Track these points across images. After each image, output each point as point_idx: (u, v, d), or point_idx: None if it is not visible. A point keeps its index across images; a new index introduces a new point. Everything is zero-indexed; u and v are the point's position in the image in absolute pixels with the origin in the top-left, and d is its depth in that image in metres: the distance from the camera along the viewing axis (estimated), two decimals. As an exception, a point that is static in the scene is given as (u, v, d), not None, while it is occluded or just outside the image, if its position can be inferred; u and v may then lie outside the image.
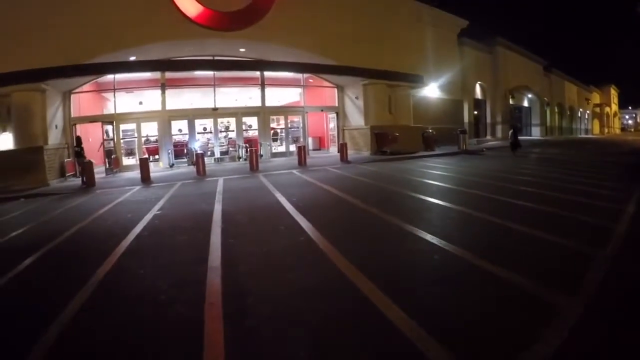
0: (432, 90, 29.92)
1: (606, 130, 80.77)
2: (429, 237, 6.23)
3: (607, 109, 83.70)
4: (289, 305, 4.16)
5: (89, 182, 15.61)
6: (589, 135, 65.10)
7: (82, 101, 21.68)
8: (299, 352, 3.26)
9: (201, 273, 5.13)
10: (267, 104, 24.38)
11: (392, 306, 3.90)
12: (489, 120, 39.40)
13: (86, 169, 16.01)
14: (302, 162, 19.15)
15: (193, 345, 3.41)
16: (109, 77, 21.30)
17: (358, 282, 4.56)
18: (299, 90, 26.47)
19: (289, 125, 25.73)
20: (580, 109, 68.61)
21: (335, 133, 26.74)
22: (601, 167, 15.57)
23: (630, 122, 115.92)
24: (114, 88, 21.90)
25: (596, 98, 78.60)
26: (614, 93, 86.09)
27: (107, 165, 20.06)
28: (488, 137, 38.16)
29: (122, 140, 22.16)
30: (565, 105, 59.35)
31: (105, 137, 21.44)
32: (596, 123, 78.36)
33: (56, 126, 19.32)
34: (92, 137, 21.52)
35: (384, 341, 3.35)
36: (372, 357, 3.15)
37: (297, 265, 5.39)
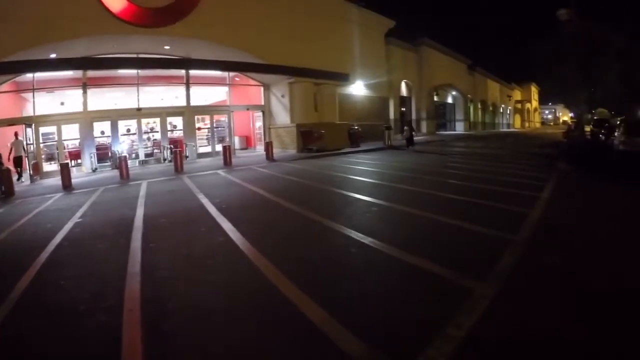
0: (358, 88, 30.74)
1: (527, 124, 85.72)
2: (347, 232, 6.58)
3: (528, 104, 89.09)
4: (207, 307, 4.31)
5: (7, 192, 14.87)
6: (511, 129, 68.70)
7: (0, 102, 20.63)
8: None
9: (120, 280, 5.17)
10: (193, 103, 24.13)
11: (308, 302, 4.14)
12: (414, 116, 40.84)
13: (4, 177, 15.17)
14: (227, 162, 19.23)
15: (112, 351, 3.51)
16: (29, 76, 20.31)
17: (277, 281, 4.74)
18: (225, 89, 26.32)
19: (215, 125, 25.60)
20: (503, 105, 72.47)
21: (262, 132, 26.94)
22: (519, 159, 16.70)
23: (550, 116, 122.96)
24: (33, 88, 20.94)
25: (517, 95, 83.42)
26: (534, 90, 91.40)
27: (30, 171, 19.26)
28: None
29: (42, 144, 21.29)
30: (488, 101, 62.48)
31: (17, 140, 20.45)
32: (517, 118, 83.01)
33: (-30, 131, 18.37)
34: (10, 141, 20.51)
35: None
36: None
37: (216, 266, 5.54)
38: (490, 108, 64.28)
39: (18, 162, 18.16)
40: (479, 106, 58.58)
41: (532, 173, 12.34)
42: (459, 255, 5.30)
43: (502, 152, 21.09)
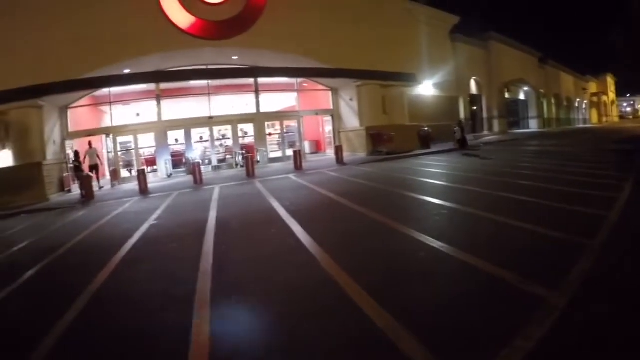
0: (426, 88, 30.03)
1: (604, 119, 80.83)
2: (415, 235, 6.31)
3: (605, 97, 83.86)
4: (275, 306, 4.33)
5: (88, 196, 15.72)
6: (587, 125, 65.10)
7: (79, 115, 21.81)
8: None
9: (192, 279, 5.26)
10: (262, 110, 24.48)
11: (375, 306, 3.98)
12: (485, 115, 39.44)
13: (85, 182, 16.13)
14: (298, 166, 19.25)
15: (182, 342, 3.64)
16: (105, 90, 21.46)
17: (343, 282, 4.65)
18: (293, 94, 26.52)
19: (285, 130, 25.82)
20: (578, 99, 68.66)
21: (332, 136, 26.88)
22: (598, 157, 15.59)
23: (628, 109, 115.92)
24: (110, 101, 22.11)
25: (593, 87, 78.69)
26: (610, 81, 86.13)
27: (111, 178, 20.30)
28: (485, 132, 38.19)
29: (120, 153, 22.29)
30: (562, 96, 59.35)
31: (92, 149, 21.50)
32: (594, 112, 78.40)
33: (54, 141, 19.53)
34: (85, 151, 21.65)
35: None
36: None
37: (285, 268, 5.51)
38: (565, 103, 61.03)
39: (93, 169, 18.84)
40: (553, 101, 55.71)
41: (610, 172, 11.35)
42: (530, 262, 4.92)
43: (578, 150, 19.77)
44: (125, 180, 21.18)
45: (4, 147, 18.13)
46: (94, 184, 17.47)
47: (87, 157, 18.93)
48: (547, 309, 3.59)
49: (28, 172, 16.34)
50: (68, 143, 20.72)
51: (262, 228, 8.11)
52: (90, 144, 19.45)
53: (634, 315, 3.48)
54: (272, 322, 3.98)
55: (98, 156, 19.56)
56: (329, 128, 27.34)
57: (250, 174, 18.13)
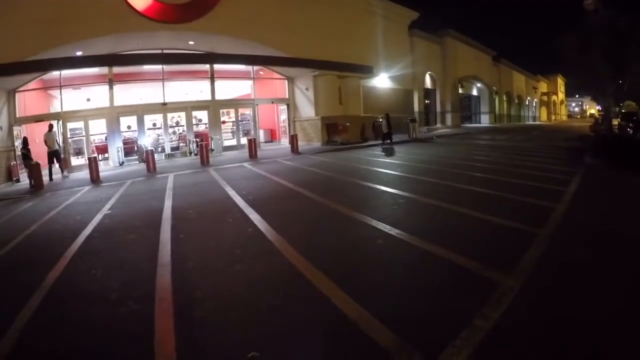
0: (382, 81, 30.45)
1: (553, 117, 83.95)
2: (374, 224, 6.52)
3: (554, 97, 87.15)
4: (235, 295, 4.36)
5: (37, 185, 15.14)
6: (537, 122, 67.44)
7: (28, 100, 20.96)
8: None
9: (151, 270, 5.25)
10: (217, 97, 24.22)
11: (338, 292, 4.13)
12: (438, 109, 40.35)
13: (34, 171, 15.51)
14: (253, 154, 19.24)
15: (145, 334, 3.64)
16: (55, 73, 20.63)
17: (305, 271, 4.75)
18: (249, 82, 26.28)
19: (240, 118, 25.64)
20: (528, 97, 71.14)
21: (287, 125, 26.90)
22: (545, 153, 16.30)
23: (576, 109, 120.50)
24: (60, 85, 21.29)
25: (544, 87, 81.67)
26: (560, 82, 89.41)
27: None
28: (438, 125, 39.13)
29: (70, 139, 21.62)
30: (514, 94, 61.35)
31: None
32: (544, 110, 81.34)
33: (1, 127, 18.62)
34: (39, 137, 20.88)
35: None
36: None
37: (245, 256, 5.55)
38: (516, 100, 63.13)
39: (53, 156, 17.60)
40: (505, 98, 57.56)
41: (559, 167, 11.97)
42: (485, 249, 5.20)
43: (528, 145, 20.63)
44: (75, 168, 20.56)
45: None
46: (57, 175, 16.77)
47: (47, 141, 17.60)
48: (502, 291, 3.88)
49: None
50: (16, 129, 19.90)
51: (220, 217, 8.10)
52: (50, 126, 18.03)
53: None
54: (233, 320, 3.89)
55: (57, 141, 18.31)
56: (284, 117, 27.31)
57: (205, 162, 17.99)
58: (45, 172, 16.49)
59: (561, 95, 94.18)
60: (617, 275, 4.35)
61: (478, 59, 47.29)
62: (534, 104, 75.79)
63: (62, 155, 18.25)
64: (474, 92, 50.38)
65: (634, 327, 3.25)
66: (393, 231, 6.04)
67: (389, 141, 22.50)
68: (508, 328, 3.28)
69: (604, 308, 3.60)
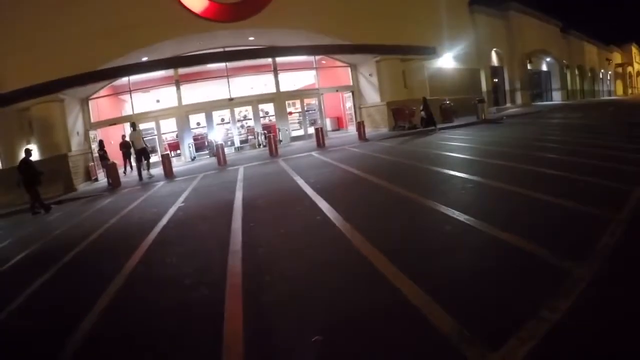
0: (447, 61, 29.40)
1: (630, 90, 78.55)
2: (442, 209, 6.21)
3: (630, 68, 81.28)
4: (303, 280, 4.36)
5: (114, 183, 15.89)
6: (612, 97, 63.40)
7: (101, 105, 22.06)
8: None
9: (223, 257, 5.33)
10: (282, 89, 24.45)
11: (402, 277, 3.99)
12: (507, 87, 38.63)
13: (111, 170, 16.30)
14: (320, 143, 19.16)
15: (216, 318, 3.70)
16: (124, 79, 21.63)
17: (372, 257, 4.62)
18: (312, 72, 26.37)
19: (306, 108, 25.79)
20: (602, 70, 66.73)
21: (352, 112, 26.69)
22: (622, 131, 15.04)
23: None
24: (130, 89, 22.25)
25: (618, 58, 76.36)
26: (635, 52, 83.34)
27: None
28: (508, 104, 37.45)
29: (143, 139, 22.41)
30: (586, 67, 57.74)
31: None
32: (619, 84, 76.20)
33: (78, 133, 19.71)
34: (113, 139, 21.90)
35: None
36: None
37: (313, 243, 5.50)
38: (589, 74, 59.38)
39: (141, 155, 17.18)
40: (576, 72, 54.26)
41: (636, 145, 10.88)
42: (557, 235, 4.76)
43: (603, 123, 19.09)
44: (150, 165, 21.29)
45: (28, 143, 18.27)
46: (144, 172, 16.95)
47: (133, 141, 17.46)
48: (572, 281, 3.53)
49: (54, 164, 16.69)
50: (91, 133, 20.90)
51: (290, 206, 8.08)
52: (133, 125, 17.87)
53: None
54: (301, 304, 3.90)
55: (144, 140, 17.90)
56: (349, 104, 27.18)
57: (274, 153, 18.13)
58: (121, 171, 17.18)
59: (637, 67, 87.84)
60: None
61: (546, 31, 44.75)
62: (608, 77, 71.15)
63: (150, 154, 18.22)
64: (544, 68, 47.78)
65: None
66: (461, 217, 5.68)
67: (432, 127, 21.50)
68: (575, 321, 2.97)
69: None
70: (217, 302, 4.00)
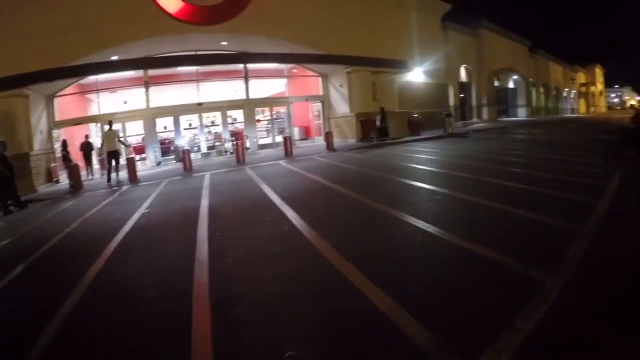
0: (416, 75, 29.92)
1: (592, 109, 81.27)
2: (410, 220, 6.31)
3: (593, 88, 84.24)
4: (272, 291, 4.30)
5: (76, 186, 15.44)
6: (575, 115, 65.42)
7: (66, 104, 21.46)
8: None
9: (188, 267, 5.20)
10: (252, 96, 24.26)
11: (375, 289, 3.99)
12: (474, 102, 39.49)
13: (73, 172, 15.83)
14: (288, 152, 19.14)
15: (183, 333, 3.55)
16: (92, 78, 21.15)
17: (341, 267, 4.64)
18: (283, 81, 26.43)
19: (275, 117, 25.72)
20: (566, 89, 68.97)
21: (321, 122, 26.78)
22: (585, 146, 15.61)
23: (616, 100, 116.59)
24: (97, 89, 21.82)
25: (582, 77, 79.12)
26: (599, 72, 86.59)
27: (100, 167, 19.85)
28: (474, 119, 38.28)
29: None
30: (551, 85, 59.64)
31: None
32: (582, 102, 78.79)
33: (41, 131, 19.08)
34: (77, 140, 21.33)
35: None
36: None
37: (282, 253, 5.49)
38: (553, 92, 61.34)
39: (112, 157, 16.48)
40: (542, 90, 55.97)
41: (599, 161, 11.31)
42: (526, 247, 4.91)
43: (566, 138, 19.90)
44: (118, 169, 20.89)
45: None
46: (113, 175, 16.32)
47: (104, 141, 16.82)
48: (543, 292, 3.64)
49: (15, 163, 15.91)
50: (55, 132, 20.34)
51: (257, 215, 8.04)
52: (110, 123, 17.09)
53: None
54: (271, 315, 3.84)
55: (121, 141, 17.40)
56: (318, 114, 27.26)
57: (240, 161, 18.02)
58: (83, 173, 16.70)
59: (600, 86, 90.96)
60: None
61: (514, 50, 46.12)
62: (572, 96, 73.51)
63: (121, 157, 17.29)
64: (511, 85, 49.08)
65: None
66: (430, 228, 5.81)
67: (384, 138, 21.96)
68: (549, 330, 3.07)
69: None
70: (184, 316, 3.87)
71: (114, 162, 16.48)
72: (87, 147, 19.49)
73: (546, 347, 2.89)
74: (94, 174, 19.72)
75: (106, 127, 17.70)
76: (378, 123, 22.54)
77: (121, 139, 17.51)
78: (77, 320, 4.17)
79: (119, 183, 15.84)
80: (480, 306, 3.55)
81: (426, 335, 3.07)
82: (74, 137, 20.98)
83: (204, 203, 9.73)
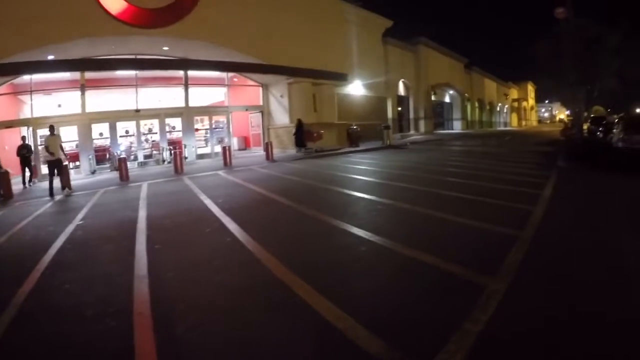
0: (356, 88, 30.73)
1: (524, 122, 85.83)
2: (354, 230, 6.55)
3: (525, 103, 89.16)
4: (216, 307, 4.24)
5: (6, 195, 14.63)
6: (508, 128, 68.78)
7: (-4, 105, 20.49)
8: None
9: (128, 283, 5.03)
10: (191, 104, 24.06)
11: (321, 300, 4.09)
12: (412, 115, 40.89)
13: (3, 179, 14.92)
14: (227, 162, 19.18)
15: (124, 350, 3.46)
16: (26, 78, 20.22)
17: (287, 280, 4.69)
18: (223, 89, 26.37)
19: (214, 126, 25.61)
20: (500, 104, 72.62)
21: (260, 132, 26.92)
22: (518, 157, 16.72)
23: (546, 114, 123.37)
24: (31, 90, 20.90)
25: (514, 93, 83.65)
26: (530, 88, 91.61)
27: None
28: (412, 131, 39.65)
29: (40, 147, 21.10)
30: (485, 100, 62.65)
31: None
32: (514, 116, 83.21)
33: (-32, 134, 18.08)
34: (8, 144, 20.36)
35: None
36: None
37: (224, 267, 5.45)
38: (487, 107, 64.49)
39: (54, 167, 14.52)
40: (476, 105, 58.74)
41: (533, 171, 12.31)
42: (467, 252, 5.27)
43: (500, 150, 21.23)
44: (45, 177, 20.04)
45: None
46: (57, 186, 14.35)
47: (48, 146, 14.50)
48: (488, 294, 3.95)
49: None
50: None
51: (198, 227, 7.92)
52: (52, 128, 14.89)
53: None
54: (215, 333, 3.72)
55: (62, 147, 15.10)
56: (258, 124, 27.37)
57: (179, 171, 17.77)
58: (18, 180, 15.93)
59: (531, 101, 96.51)
60: (591, 266, 4.66)
61: (450, 66, 48.22)
62: (505, 110, 77.54)
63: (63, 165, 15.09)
64: (447, 99, 51.26)
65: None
66: (374, 238, 6.07)
67: (304, 148, 22.72)
68: (497, 331, 3.32)
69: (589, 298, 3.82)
70: (125, 335, 3.68)
71: (56, 173, 14.61)
72: (25, 151, 17.78)
73: (496, 347, 3.13)
74: (36, 181, 18.73)
75: (45, 132, 16.42)
76: (295, 135, 22.88)
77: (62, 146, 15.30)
78: (9, 346, 3.85)
79: (69, 196, 14.09)
80: (430, 310, 3.77)
81: (377, 343, 3.20)
82: (4, 141, 20.08)
83: (142, 215, 9.47)
